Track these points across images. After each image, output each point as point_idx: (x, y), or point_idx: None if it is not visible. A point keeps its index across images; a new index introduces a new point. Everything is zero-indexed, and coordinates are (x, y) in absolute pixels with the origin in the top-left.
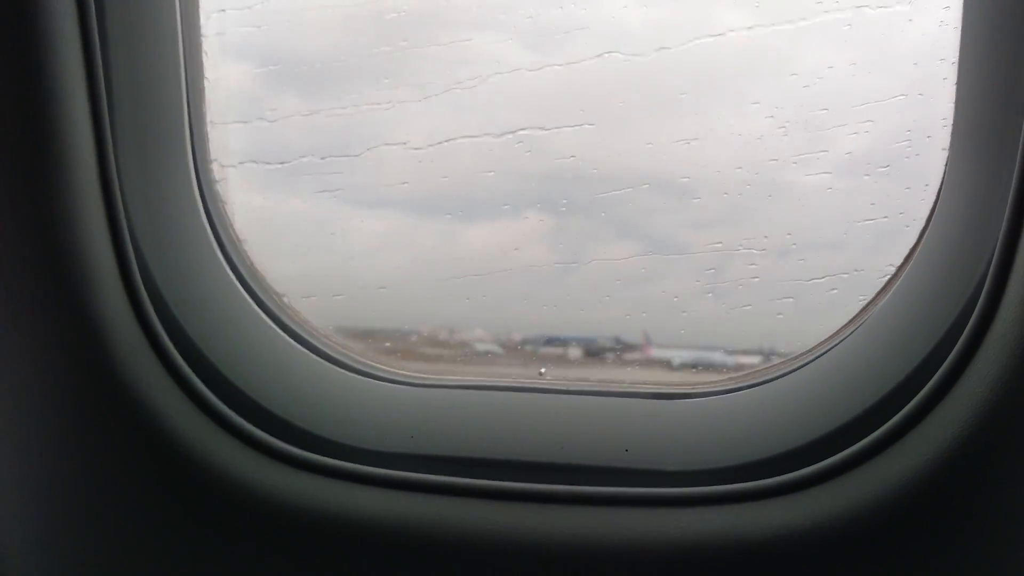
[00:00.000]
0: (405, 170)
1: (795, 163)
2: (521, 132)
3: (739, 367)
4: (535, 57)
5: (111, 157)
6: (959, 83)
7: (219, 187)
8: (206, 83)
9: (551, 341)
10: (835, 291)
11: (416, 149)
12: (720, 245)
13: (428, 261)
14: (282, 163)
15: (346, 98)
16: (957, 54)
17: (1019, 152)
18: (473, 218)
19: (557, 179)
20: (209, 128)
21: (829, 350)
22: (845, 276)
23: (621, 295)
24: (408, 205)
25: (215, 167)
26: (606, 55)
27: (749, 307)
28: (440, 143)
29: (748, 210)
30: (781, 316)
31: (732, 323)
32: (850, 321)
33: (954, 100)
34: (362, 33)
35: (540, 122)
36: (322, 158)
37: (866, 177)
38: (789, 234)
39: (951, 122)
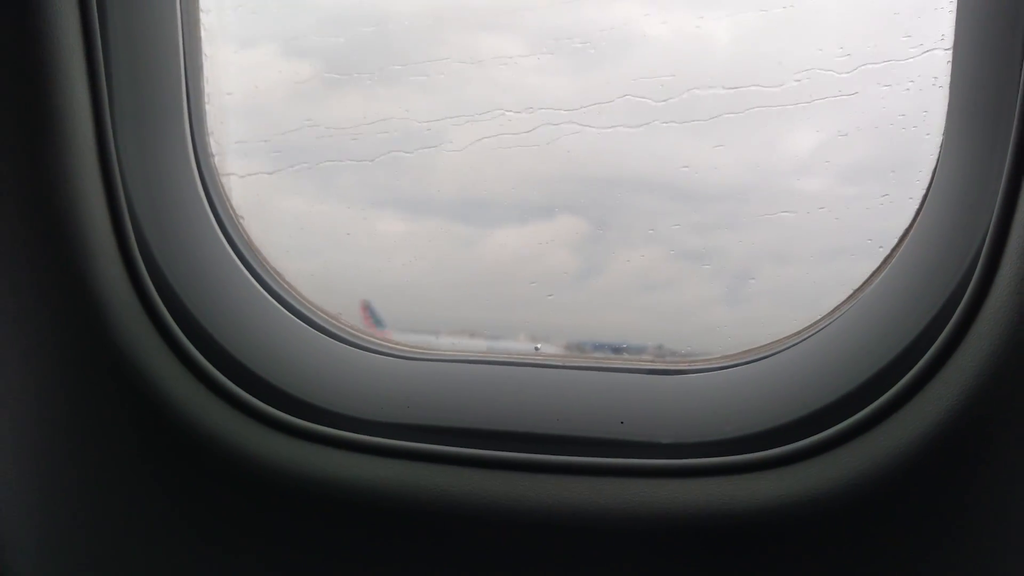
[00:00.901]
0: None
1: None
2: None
3: None
4: (551, 61)
5: (109, 132)
6: (953, 67)
7: (215, 161)
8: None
9: (600, 348)
10: None
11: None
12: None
13: (454, 263)
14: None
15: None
16: (952, 38)
17: (1012, 133)
18: (500, 221)
19: (566, 181)
20: (207, 103)
21: (824, 327)
22: None
23: (642, 300)
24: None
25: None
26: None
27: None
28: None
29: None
30: None
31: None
32: (845, 299)
33: (948, 83)
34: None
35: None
36: (340, 160)
37: None
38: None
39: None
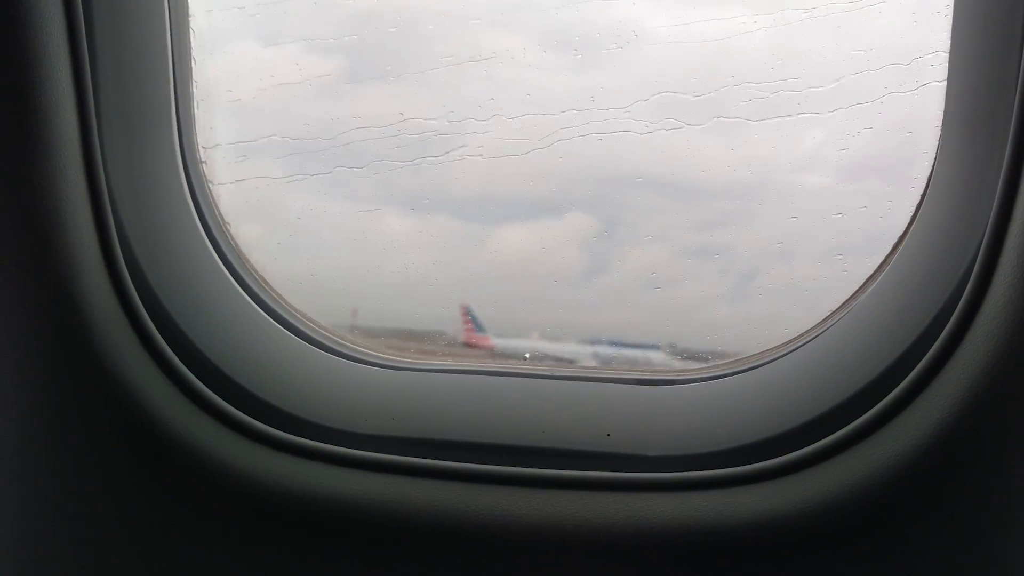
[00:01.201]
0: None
1: None
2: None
3: None
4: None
5: (95, 138)
6: (950, 73)
7: (203, 168)
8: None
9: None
10: None
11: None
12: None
13: (458, 260)
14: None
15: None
16: (948, 45)
17: (1009, 140)
18: (508, 219)
19: (576, 180)
20: (196, 109)
21: (815, 337)
22: None
23: (649, 298)
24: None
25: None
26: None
27: None
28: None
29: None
30: None
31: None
32: (837, 308)
33: (945, 90)
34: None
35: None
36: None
37: None
38: None
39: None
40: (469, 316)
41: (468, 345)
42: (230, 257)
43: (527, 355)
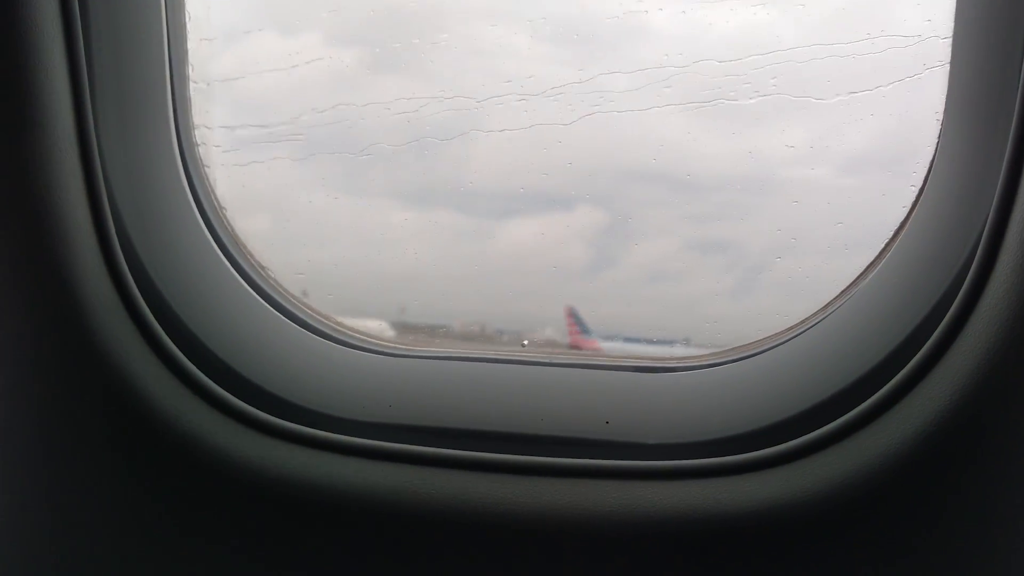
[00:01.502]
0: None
1: None
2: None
3: None
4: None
5: (90, 121)
6: (953, 56)
7: (200, 151)
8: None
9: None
10: None
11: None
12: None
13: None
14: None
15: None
16: (952, 26)
17: (1012, 125)
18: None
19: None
20: (191, 92)
21: (816, 324)
22: None
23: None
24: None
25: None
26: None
27: None
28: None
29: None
30: None
31: None
32: (839, 295)
33: (948, 72)
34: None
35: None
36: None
37: None
38: None
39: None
40: (574, 318)
41: (574, 347)
42: (227, 243)
43: (525, 342)
